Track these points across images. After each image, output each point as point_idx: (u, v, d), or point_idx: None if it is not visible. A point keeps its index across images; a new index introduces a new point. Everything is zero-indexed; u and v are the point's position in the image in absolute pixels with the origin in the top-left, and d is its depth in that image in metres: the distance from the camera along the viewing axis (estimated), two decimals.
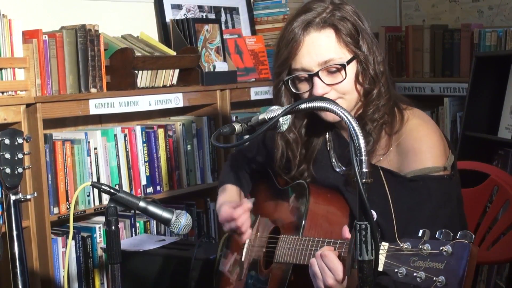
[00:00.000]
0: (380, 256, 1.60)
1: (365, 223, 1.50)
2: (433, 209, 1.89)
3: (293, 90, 2.01)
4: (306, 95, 1.98)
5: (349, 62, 1.94)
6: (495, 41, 3.77)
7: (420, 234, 1.57)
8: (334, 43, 1.94)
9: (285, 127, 1.78)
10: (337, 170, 2.07)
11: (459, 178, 2.04)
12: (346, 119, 1.56)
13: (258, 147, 2.31)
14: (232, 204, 2.19)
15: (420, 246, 1.55)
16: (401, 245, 1.59)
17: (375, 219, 1.91)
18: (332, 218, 2.02)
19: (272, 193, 2.23)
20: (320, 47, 1.94)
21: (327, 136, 2.10)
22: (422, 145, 1.93)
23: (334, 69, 1.94)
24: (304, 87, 1.99)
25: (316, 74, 1.94)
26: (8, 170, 2.41)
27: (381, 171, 1.94)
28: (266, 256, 2.15)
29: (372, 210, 1.89)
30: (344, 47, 1.94)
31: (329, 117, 1.96)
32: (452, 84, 3.94)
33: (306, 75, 1.96)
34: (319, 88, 1.94)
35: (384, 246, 1.64)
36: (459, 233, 1.51)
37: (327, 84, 1.94)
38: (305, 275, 1.91)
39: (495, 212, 2.41)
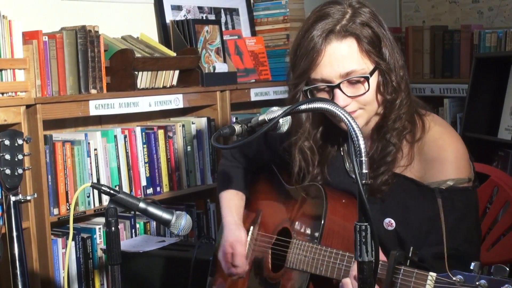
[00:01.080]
0: (428, 287, 1.57)
1: (365, 224, 1.50)
2: (456, 221, 1.86)
3: None
4: None
5: (371, 73, 1.88)
6: (495, 42, 3.78)
7: (472, 267, 1.51)
8: (356, 53, 1.87)
9: (285, 128, 1.77)
10: (352, 176, 2.02)
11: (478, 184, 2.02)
12: (346, 120, 1.56)
13: (259, 142, 2.26)
14: (236, 247, 2.14)
15: (477, 283, 1.49)
16: (454, 278, 1.54)
17: (393, 227, 1.90)
18: (349, 225, 1.95)
19: (278, 190, 2.19)
20: (342, 58, 1.86)
21: (341, 141, 2.06)
22: (448, 155, 1.89)
23: (356, 80, 1.88)
24: (323, 97, 1.91)
25: (338, 86, 1.87)
26: (8, 171, 2.40)
27: (403, 180, 1.91)
28: (272, 258, 2.11)
29: (391, 219, 1.89)
30: (366, 57, 1.87)
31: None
32: (452, 85, 3.94)
33: (326, 87, 1.90)
34: (341, 100, 1.87)
35: (432, 276, 1.59)
36: None
37: (348, 96, 1.88)
38: (325, 285, 1.90)
39: (495, 213, 2.41)
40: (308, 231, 2.01)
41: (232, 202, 2.27)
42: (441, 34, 4.05)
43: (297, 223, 2.07)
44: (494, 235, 2.38)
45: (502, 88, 3.64)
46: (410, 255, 1.75)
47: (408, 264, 1.75)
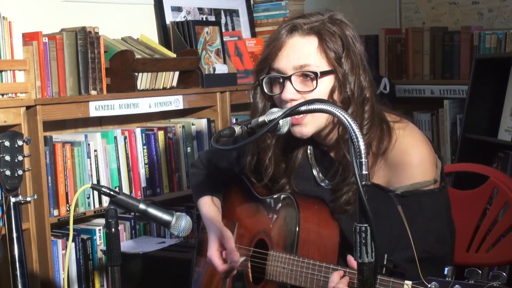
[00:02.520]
0: None
1: (365, 225, 1.50)
2: (425, 224, 1.87)
3: (266, 91, 1.96)
4: (276, 98, 1.95)
5: (324, 73, 1.89)
6: (495, 43, 3.78)
7: (446, 272, 1.52)
8: (315, 51, 1.90)
9: (285, 129, 1.77)
10: (322, 184, 2.03)
11: (447, 184, 2.02)
12: (346, 121, 1.56)
13: (228, 155, 2.25)
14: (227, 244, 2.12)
15: None
16: (429, 285, 1.55)
17: None
18: (324, 232, 1.98)
19: (251, 201, 2.18)
20: (300, 51, 1.90)
21: (309, 150, 2.06)
22: (412, 159, 1.89)
23: (308, 77, 1.89)
24: (276, 90, 1.95)
25: (289, 78, 1.90)
26: (8, 172, 2.41)
27: (372, 186, 1.87)
28: (252, 270, 2.10)
29: None
30: (324, 58, 1.90)
31: (302, 132, 1.91)
32: (452, 87, 3.95)
33: (280, 78, 1.92)
34: (288, 92, 1.89)
35: (408, 285, 1.61)
36: (490, 273, 1.48)
37: (297, 91, 1.89)
38: None
39: (495, 214, 2.41)
40: (284, 242, 2.00)
41: (212, 207, 2.25)
42: (441, 35, 4.05)
43: (272, 234, 2.06)
44: (493, 236, 2.37)
45: (502, 89, 3.64)
46: (385, 263, 1.75)
47: (383, 271, 1.75)
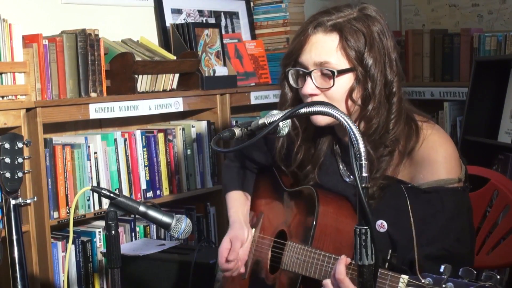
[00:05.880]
0: None
1: (365, 227, 1.50)
2: (446, 222, 1.87)
3: (291, 82, 2.00)
4: (299, 90, 1.98)
5: (342, 71, 1.90)
6: (495, 46, 3.78)
7: (441, 270, 1.54)
8: (335, 49, 1.91)
9: (285, 131, 1.78)
10: (347, 180, 2.04)
11: (469, 187, 2.02)
12: (345, 123, 1.56)
13: (260, 145, 2.27)
14: (234, 243, 2.18)
15: (444, 286, 1.52)
16: (423, 281, 1.57)
17: (385, 229, 1.90)
18: (342, 227, 2.00)
19: (278, 193, 2.21)
20: (322, 49, 1.92)
21: (334, 143, 2.07)
22: (438, 156, 1.90)
23: (328, 74, 1.91)
24: (300, 83, 1.98)
25: (309, 74, 1.92)
26: (8, 175, 2.41)
27: (395, 182, 1.91)
28: (271, 260, 2.15)
29: (383, 221, 1.90)
30: (345, 56, 1.91)
31: (317, 120, 1.95)
32: (452, 89, 3.95)
33: (302, 72, 1.95)
34: (308, 88, 1.92)
35: (404, 279, 1.63)
36: (483, 273, 1.49)
37: (317, 87, 1.92)
38: (314, 286, 1.91)
39: (495, 217, 2.41)
40: (301, 234, 2.04)
41: (237, 202, 2.30)
42: (441, 38, 4.05)
43: (292, 225, 2.10)
44: (494, 239, 2.38)
45: (502, 92, 3.64)
46: (388, 258, 1.76)
47: (386, 266, 1.76)
